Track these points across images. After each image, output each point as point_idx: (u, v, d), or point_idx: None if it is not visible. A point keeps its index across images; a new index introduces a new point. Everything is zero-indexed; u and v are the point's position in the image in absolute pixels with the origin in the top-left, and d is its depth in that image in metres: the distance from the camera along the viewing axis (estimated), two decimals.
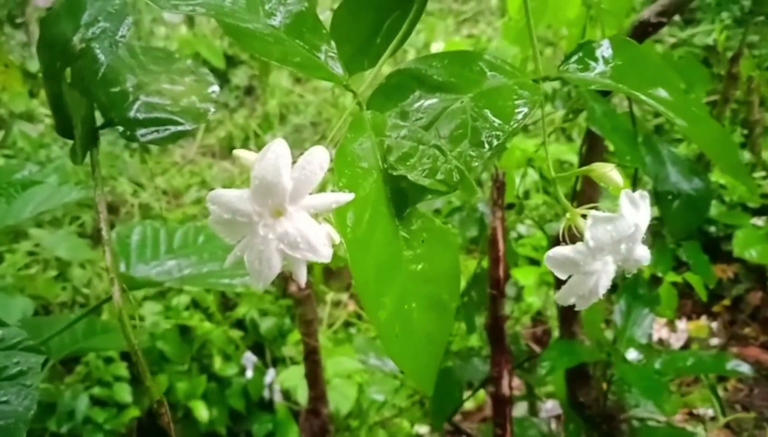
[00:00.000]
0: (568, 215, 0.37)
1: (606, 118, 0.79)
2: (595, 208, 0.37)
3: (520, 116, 0.38)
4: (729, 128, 2.33)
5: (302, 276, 0.33)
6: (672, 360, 0.99)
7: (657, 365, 1.00)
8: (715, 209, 2.06)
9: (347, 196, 0.33)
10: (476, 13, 4.08)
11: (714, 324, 2.17)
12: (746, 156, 2.25)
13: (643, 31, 0.86)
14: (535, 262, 1.96)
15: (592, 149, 0.92)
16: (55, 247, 2.21)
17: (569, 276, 0.36)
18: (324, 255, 0.32)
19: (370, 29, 0.47)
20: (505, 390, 0.85)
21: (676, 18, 3.31)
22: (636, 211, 0.35)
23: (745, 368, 0.97)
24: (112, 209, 2.87)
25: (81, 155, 0.45)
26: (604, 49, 0.42)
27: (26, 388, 0.53)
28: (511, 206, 2.18)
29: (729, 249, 1.90)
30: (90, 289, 2.30)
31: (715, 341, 2.12)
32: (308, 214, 0.32)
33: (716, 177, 2.16)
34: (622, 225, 0.34)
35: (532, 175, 2.25)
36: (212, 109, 0.51)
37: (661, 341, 2.10)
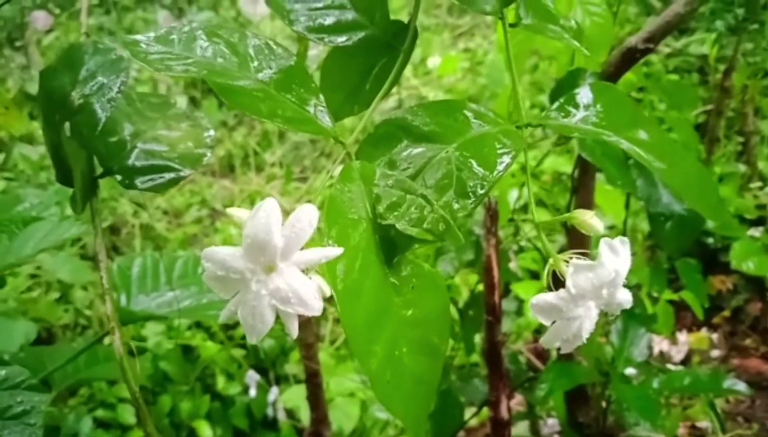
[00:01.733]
0: (551, 261, 0.38)
1: (596, 143, 0.80)
2: (584, 253, 0.38)
3: (502, 165, 0.39)
4: (723, 141, 2.34)
5: (294, 330, 0.34)
6: (669, 379, 1.00)
7: (654, 384, 1.01)
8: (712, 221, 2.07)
9: (336, 251, 0.34)
10: (472, 27, 4.11)
11: (714, 336, 2.18)
12: (741, 167, 2.26)
13: (630, 57, 0.87)
14: (536, 276, 1.97)
15: (585, 172, 0.94)
16: (57, 270, 2.22)
17: (554, 322, 0.37)
18: (315, 308, 0.34)
19: (359, 76, 0.48)
20: (504, 413, 0.86)
21: None
22: (616, 258, 0.36)
23: (741, 386, 0.98)
24: (114, 230, 2.88)
25: (81, 205, 0.46)
26: (584, 95, 0.44)
27: (30, 427, 0.55)
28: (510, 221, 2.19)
29: (727, 261, 1.91)
30: (92, 311, 2.31)
31: (716, 353, 2.13)
32: (299, 269, 0.34)
33: None
34: (603, 272, 0.36)
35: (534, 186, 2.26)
36: (209, 154, 0.52)
37: (662, 354, 2.11)
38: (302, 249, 0.34)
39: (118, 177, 0.48)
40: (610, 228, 1.79)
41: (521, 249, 2.22)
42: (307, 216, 0.33)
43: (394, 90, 3.38)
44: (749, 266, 1.81)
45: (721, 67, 2.12)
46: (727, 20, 3.28)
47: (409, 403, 0.39)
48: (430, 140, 0.41)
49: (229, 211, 0.34)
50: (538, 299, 0.37)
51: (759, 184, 2.28)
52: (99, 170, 0.49)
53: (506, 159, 0.40)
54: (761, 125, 2.43)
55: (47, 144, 0.49)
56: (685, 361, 2.09)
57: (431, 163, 0.40)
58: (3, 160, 3.13)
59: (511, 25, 0.46)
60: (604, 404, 1.06)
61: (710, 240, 2.18)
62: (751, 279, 2.16)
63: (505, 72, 1.05)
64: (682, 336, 2.12)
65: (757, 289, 2.19)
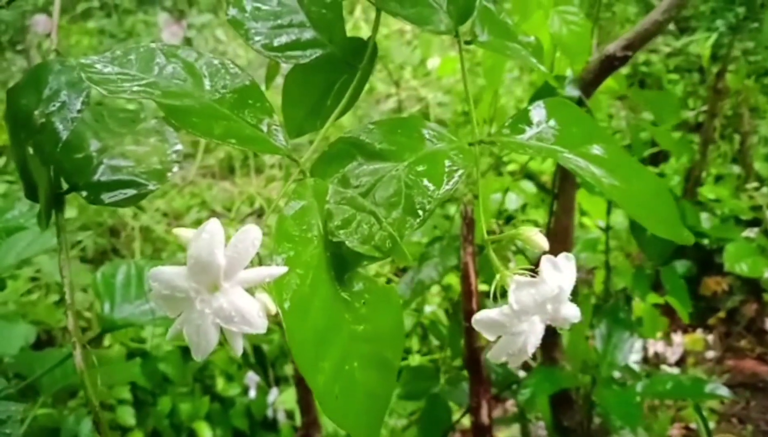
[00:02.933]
0: (498, 276, 0.39)
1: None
2: (533, 270, 0.39)
3: (451, 182, 0.40)
4: (719, 142, 2.34)
5: (238, 348, 0.35)
6: (652, 383, 1.00)
7: (638, 388, 1.01)
8: (707, 222, 2.07)
9: (280, 269, 0.35)
10: (471, 28, 4.11)
11: (710, 337, 2.18)
12: (735, 169, 2.26)
13: (609, 65, 0.88)
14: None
15: (565, 178, 0.94)
16: (57, 273, 2.22)
17: (498, 337, 0.38)
18: (258, 327, 0.34)
19: (320, 92, 0.49)
20: (484, 418, 0.87)
21: (671, 27, 3.33)
22: (558, 274, 0.37)
23: (723, 391, 0.98)
24: (113, 232, 2.89)
25: (45, 220, 0.47)
26: (538, 112, 0.44)
27: (7, 436, 0.55)
28: (510, 219, 2.19)
29: (722, 262, 1.91)
30: (91, 313, 2.32)
31: (711, 354, 2.13)
32: (243, 288, 0.34)
33: (708, 191, 2.17)
34: (545, 288, 0.36)
35: (531, 187, 2.27)
36: (175, 169, 0.53)
37: (657, 355, 2.11)
38: (246, 268, 0.35)
39: (84, 193, 0.49)
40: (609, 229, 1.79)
41: (519, 251, 2.22)
42: (251, 236, 0.34)
43: (394, 91, 3.39)
44: (742, 267, 1.81)
45: (715, 69, 2.12)
46: (727, 19, 3.27)
47: (360, 417, 0.39)
48: (383, 158, 0.42)
49: (175, 231, 0.35)
50: (482, 315, 0.37)
51: (755, 184, 2.28)
52: (65, 186, 0.50)
53: (455, 176, 0.40)
54: (759, 125, 2.43)
55: (15, 161, 0.50)
56: (680, 362, 2.10)
57: (382, 180, 0.41)
58: (4, 164, 3.15)
59: (467, 43, 0.47)
60: (588, 408, 1.06)
61: (705, 241, 2.18)
62: (747, 281, 2.16)
63: (503, 73, 1.06)
64: (677, 338, 2.13)
65: (753, 290, 2.19)
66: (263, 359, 2.14)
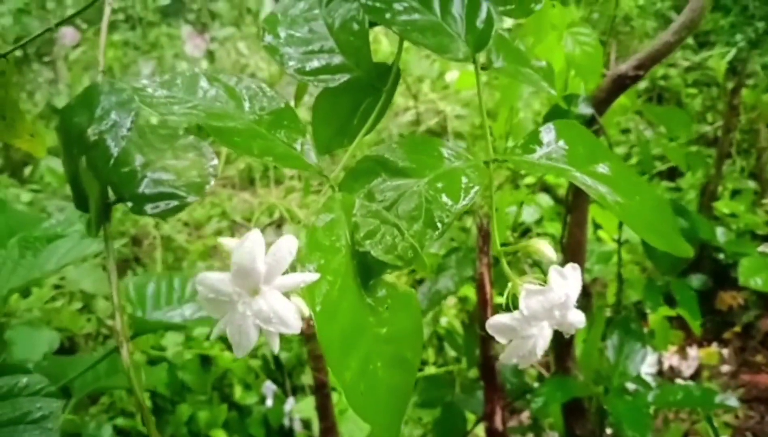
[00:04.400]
0: (510, 285, 0.42)
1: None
2: (543, 280, 0.42)
3: (467, 198, 0.44)
4: (735, 157, 2.35)
5: (275, 346, 0.39)
6: (663, 393, 1.03)
7: (649, 398, 1.04)
8: (723, 237, 2.09)
9: (313, 276, 0.39)
10: (488, 55, 4.14)
11: (725, 351, 2.19)
12: (752, 184, 2.27)
13: (621, 84, 0.92)
14: None
15: (578, 194, 0.97)
16: (80, 280, 2.27)
17: (510, 340, 0.42)
18: (294, 327, 0.38)
19: (347, 113, 0.53)
20: (498, 425, 0.90)
21: (690, 41, 3.35)
22: (565, 283, 0.40)
23: (733, 401, 1.00)
24: (135, 242, 2.95)
25: (95, 229, 0.51)
26: (547, 133, 0.48)
27: (48, 431, 0.59)
28: (526, 231, 2.21)
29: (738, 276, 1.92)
30: (113, 321, 2.36)
31: (726, 368, 2.14)
32: (280, 292, 0.38)
33: (724, 206, 2.19)
34: (552, 296, 0.40)
35: (548, 200, 2.29)
36: (212, 182, 0.57)
37: (672, 368, 2.12)
38: (283, 274, 0.39)
39: (129, 203, 0.53)
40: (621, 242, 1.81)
41: (535, 264, 2.25)
42: (287, 246, 0.38)
43: (412, 104, 3.43)
44: (757, 282, 1.82)
45: (732, 84, 2.14)
46: (747, 34, 3.28)
47: (382, 412, 0.43)
48: (405, 175, 0.46)
49: (220, 240, 0.39)
50: (495, 319, 0.41)
51: None
52: (112, 197, 0.55)
53: (471, 192, 0.44)
54: None
55: (66, 174, 0.54)
56: (695, 376, 2.11)
57: (404, 195, 0.45)
58: (30, 173, 3.23)
59: (483, 68, 0.51)
60: (601, 417, 1.09)
61: (721, 255, 2.20)
62: (762, 296, 2.17)
63: (519, 89, 1.09)
64: (692, 352, 2.14)
65: None
66: (281, 369, 2.17)
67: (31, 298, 2.23)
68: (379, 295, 0.44)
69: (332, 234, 0.43)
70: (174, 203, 0.54)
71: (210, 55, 4.08)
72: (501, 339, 0.41)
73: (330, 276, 0.42)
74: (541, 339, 0.41)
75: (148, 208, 0.54)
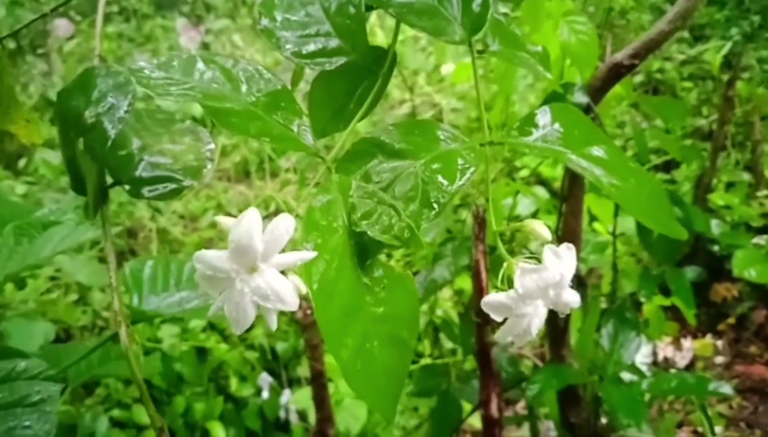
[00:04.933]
0: (505, 265, 0.43)
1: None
2: (537, 257, 0.43)
3: (463, 178, 0.44)
4: (730, 150, 2.36)
5: (273, 323, 0.39)
6: (657, 381, 1.04)
7: (643, 386, 1.04)
8: (717, 228, 2.10)
9: (310, 254, 0.39)
10: (483, 38, 4.14)
11: (719, 343, 2.20)
12: (746, 176, 2.28)
13: (617, 73, 0.92)
14: None
15: (573, 182, 0.98)
16: (76, 272, 2.26)
17: (505, 318, 0.42)
18: (291, 304, 0.39)
19: (344, 97, 0.53)
20: (494, 412, 0.91)
21: (686, 34, 3.35)
22: (560, 262, 0.41)
23: (727, 389, 1.01)
24: (131, 234, 2.95)
25: (93, 212, 0.51)
26: (543, 116, 0.48)
27: (46, 414, 0.59)
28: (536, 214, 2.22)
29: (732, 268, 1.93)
30: (109, 313, 2.37)
31: (720, 359, 2.15)
32: (278, 270, 0.39)
33: (718, 198, 2.20)
34: (547, 275, 0.40)
35: (544, 193, 2.30)
36: (209, 166, 0.57)
37: (666, 359, 2.14)
38: (281, 252, 0.39)
39: (127, 187, 0.54)
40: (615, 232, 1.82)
41: (532, 255, 2.25)
42: (284, 224, 0.38)
43: (408, 97, 3.43)
44: (751, 274, 1.83)
45: (727, 77, 2.15)
46: (742, 27, 3.29)
47: (379, 390, 0.43)
48: (402, 156, 0.46)
49: (217, 218, 0.39)
50: (490, 298, 0.41)
51: (765, 192, 2.30)
52: (109, 181, 0.55)
53: (467, 173, 0.44)
54: None
55: (64, 157, 0.54)
56: (690, 367, 2.12)
57: (401, 176, 0.45)
58: (24, 165, 3.22)
59: (479, 52, 0.51)
60: (595, 405, 1.10)
61: (715, 247, 2.21)
62: (756, 287, 2.18)
63: (516, 79, 1.10)
64: (687, 343, 2.15)
65: (762, 297, 2.21)
66: (277, 360, 2.18)
67: (27, 290, 2.23)
68: (376, 275, 0.44)
69: (329, 215, 0.44)
70: (172, 186, 0.54)
71: (205, 47, 4.07)
72: (496, 317, 0.41)
73: (327, 256, 0.42)
74: (536, 318, 0.42)
75: (146, 191, 0.54)
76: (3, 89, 0.69)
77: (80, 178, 0.53)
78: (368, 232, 0.43)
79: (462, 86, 3.57)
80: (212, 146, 0.58)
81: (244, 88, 0.46)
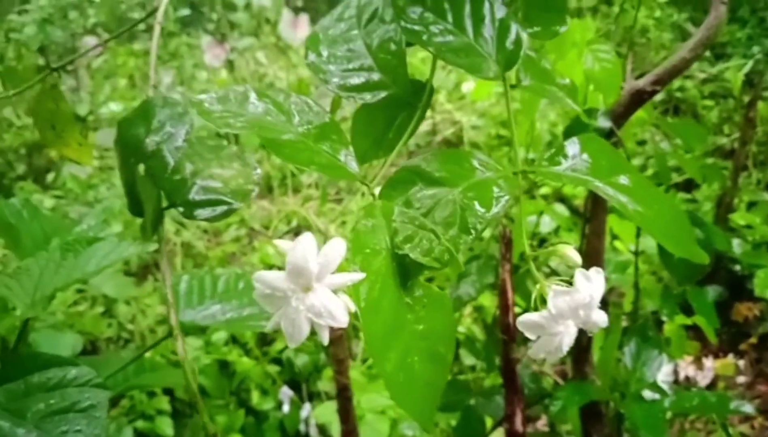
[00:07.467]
0: (538, 287, 0.46)
1: None
2: (556, 273, 0.46)
3: (498, 206, 0.47)
4: (751, 169, 2.37)
5: (325, 339, 0.43)
6: (679, 399, 1.05)
7: (665, 404, 1.06)
8: (739, 248, 2.10)
9: (359, 275, 0.43)
10: (516, 73, 4.18)
11: (741, 362, 2.20)
12: (767, 196, 2.29)
13: (639, 99, 0.95)
14: None
15: (596, 203, 1.01)
16: (102, 285, 2.31)
17: (539, 337, 0.45)
18: (342, 322, 0.42)
19: (384, 126, 0.57)
20: (518, 426, 0.93)
21: (707, 53, 3.36)
22: (590, 285, 0.44)
23: (748, 408, 1.03)
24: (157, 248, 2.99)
25: (151, 232, 0.55)
26: (572, 146, 0.52)
27: (96, 419, 0.63)
28: (543, 241, 2.24)
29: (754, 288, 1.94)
30: (134, 325, 2.41)
31: (741, 379, 2.15)
32: (330, 289, 0.43)
33: (739, 218, 2.20)
34: (578, 297, 0.44)
35: (564, 211, 2.32)
36: (256, 190, 0.61)
37: (687, 379, 2.14)
38: (333, 273, 0.43)
39: (181, 209, 0.58)
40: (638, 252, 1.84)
41: (552, 272, 2.27)
42: (337, 247, 0.42)
43: (429, 114, 3.47)
44: None
45: (746, 97, 2.16)
46: (764, 46, 3.28)
47: (418, 402, 0.47)
48: (440, 184, 0.50)
49: (276, 242, 0.43)
50: (525, 317, 0.45)
51: None
52: (165, 203, 0.59)
53: (502, 200, 0.48)
54: None
55: (123, 181, 0.59)
56: (711, 387, 2.12)
57: (440, 203, 0.49)
58: (53, 179, 3.29)
59: (512, 87, 0.54)
60: (618, 422, 1.12)
61: (737, 267, 2.21)
62: None
63: (539, 99, 1.13)
64: (708, 362, 2.15)
65: None
66: (298, 375, 2.20)
67: (55, 302, 2.27)
68: (416, 295, 0.48)
69: (374, 238, 0.47)
70: (222, 209, 0.58)
71: (229, 65, 4.14)
72: (530, 336, 0.45)
73: (372, 277, 0.46)
74: (567, 336, 0.45)
75: (198, 213, 0.58)
76: (59, 114, 0.74)
77: (138, 201, 0.57)
78: (410, 255, 0.46)
79: (482, 104, 3.60)
80: (259, 171, 0.62)
81: (296, 119, 0.50)
